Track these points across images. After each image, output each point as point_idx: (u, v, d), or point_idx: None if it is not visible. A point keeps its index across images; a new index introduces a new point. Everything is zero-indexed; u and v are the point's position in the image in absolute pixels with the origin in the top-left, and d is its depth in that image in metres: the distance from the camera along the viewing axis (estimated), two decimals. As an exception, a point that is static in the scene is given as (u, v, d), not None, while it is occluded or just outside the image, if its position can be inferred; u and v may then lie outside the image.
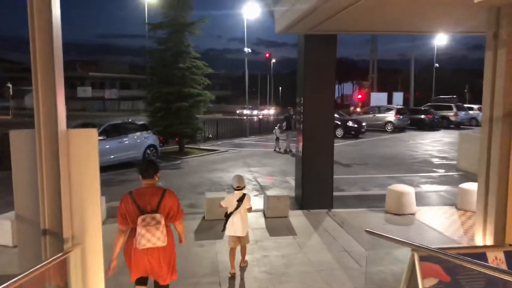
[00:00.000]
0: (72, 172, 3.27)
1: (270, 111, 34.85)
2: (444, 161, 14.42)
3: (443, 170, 12.78)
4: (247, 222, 5.35)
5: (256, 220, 7.68)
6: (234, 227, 5.22)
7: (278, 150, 17.67)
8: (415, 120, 28.12)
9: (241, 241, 5.35)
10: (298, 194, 8.53)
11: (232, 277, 5.28)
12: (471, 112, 30.13)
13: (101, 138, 12.63)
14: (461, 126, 28.61)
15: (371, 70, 56.49)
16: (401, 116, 26.80)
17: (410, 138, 22.76)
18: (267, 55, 36.40)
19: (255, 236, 6.83)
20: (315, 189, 8.35)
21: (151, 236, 3.55)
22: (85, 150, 3.32)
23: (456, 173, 12.27)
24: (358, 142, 21.38)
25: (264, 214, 8.00)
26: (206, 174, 12.56)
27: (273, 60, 74.85)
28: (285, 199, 7.90)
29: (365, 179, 11.69)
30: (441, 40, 37.80)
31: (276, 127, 18.38)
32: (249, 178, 11.89)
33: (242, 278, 5.34)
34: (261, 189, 10.47)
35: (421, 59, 57.95)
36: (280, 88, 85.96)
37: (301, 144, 8.41)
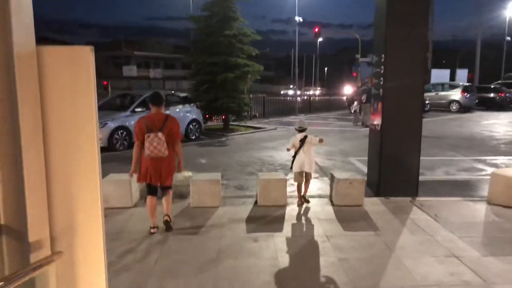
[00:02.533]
0: (49, 121, 1.78)
1: (315, 92, 32.55)
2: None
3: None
4: (311, 159, 6.09)
5: (322, 209, 6.07)
6: (299, 163, 6.04)
7: (358, 124, 17.21)
8: (484, 99, 25.19)
9: (306, 176, 6.11)
10: (373, 177, 6.81)
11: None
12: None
13: (139, 109, 11.41)
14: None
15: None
16: (468, 94, 23.96)
17: (481, 118, 20.14)
18: (317, 29, 33.93)
19: (325, 229, 5.24)
20: (396, 173, 6.61)
21: (153, 148, 4.70)
22: (71, 85, 1.80)
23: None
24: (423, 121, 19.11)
25: (331, 201, 6.38)
26: (255, 152, 11.05)
27: (320, 39, 72.08)
28: (359, 183, 6.23)
29: (445, 162, 9.73)
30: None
31: (354, 101, 18.45)
32: (304, 157, 10.26)
33: (316, 293, 3.78)
34: (321, 170, 8.82)
35: (483, 36, 53.38)
36: (326, 68, 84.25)
37: (378, 116, 6.66)
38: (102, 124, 10.56)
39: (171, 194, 5.22)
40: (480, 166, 9.17)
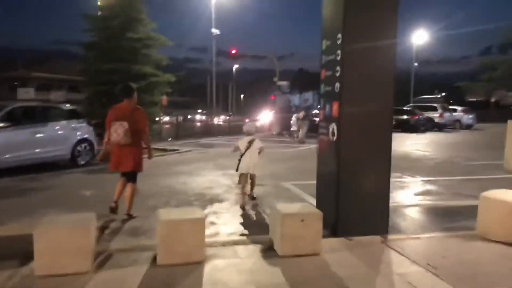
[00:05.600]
0: None
1: (226, 117, 30.66)
2: (476, 162, 11.18)
3: (487, 172, 9.45)
4: (257, 161, 6.25)
5: (262, 265, 3.85)
6: (246, 165, 6.16)
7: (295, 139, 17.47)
8: (398, 121, 25.17)
9: (251, 177, 6.40)
10: (327, 210, 4.73)
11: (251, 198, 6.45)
12: (455, 114, 27.77)
13: (1, 125, 8.40)
14: (444, 129, 26.10)
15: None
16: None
17: (403, 139, 19.62)
18: (234, 51, 32.47)
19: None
20: (360, 203, 4.66)
21: (116, 135, 5.08)
22: None
23: (508, 175, 8.96)
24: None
25: (274, 248, 4.19)
26: (164, 179, 8.56)
27: (236, 65, 71.86)
28: (315, 219, 4.13)
29: (395, 184, 8.08)
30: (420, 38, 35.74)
31: (293, 117, 18.75)
32: (227, 184, 8.04)
33: None
34: (251, 200, 6.65)
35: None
36: (242, 95, 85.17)
37: (332, 123, 4.71)
38: None
39: (133, 189, 5.47)
40: (435, 188, 7.67)
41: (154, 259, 3.86)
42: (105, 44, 12.22)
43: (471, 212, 5.70)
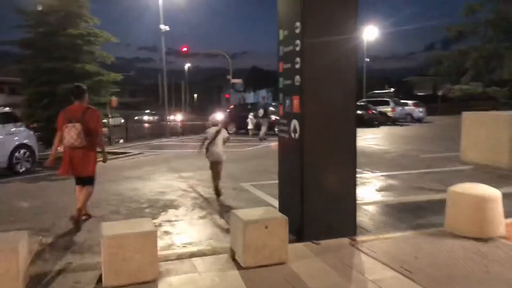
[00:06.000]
0: None
1: (177, 117, 29.13)
2: (432, 154, 11.30)
3: (444, 164, 9.51)
4: (222, 150, 6.66)
5: (222, 279, 3.43)
6: (216, 154, 6.59)
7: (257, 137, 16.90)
8: (353, 117, 25.53)
9: (218, 167, 6.64)
10: (291, 212, 4.38)
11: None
12: (406, 108, 28.53)
13: None
14: (397, 123, 26.75)
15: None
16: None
17: (359, 134, 19.81)
18: (185, 48, 31.63)
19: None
20: (326, 203, 4.34)
21: (70, 137, 4.90)
22: None
23: (465, 167, 9.08)
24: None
25: (233, 259, 3.78)
26: (113, 185, 7.90)
27: (188, 64, 70.74)
28: (280, 225, 3.76)
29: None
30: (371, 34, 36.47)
31: (250, 115, 18.39)
32: (182, 187, 7.53)
33: None
34: (209, 204, 6.19)
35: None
36: (195, 95, 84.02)
37: (294, 119, 4.37)
38: None
39: (89, 189, 5.23)
40: (397, 182, 7.56)
41: (100, 279, 3.34)
42: (43, 41, 11.25)
43: (436, 206, 5.60)
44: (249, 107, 21.91)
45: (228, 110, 25.54)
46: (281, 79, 4.73)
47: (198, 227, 5.08)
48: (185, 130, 22.63)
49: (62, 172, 5.16)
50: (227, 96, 40.40)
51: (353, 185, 4.47)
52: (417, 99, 33.02)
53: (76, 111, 5.08)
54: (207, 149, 6.62)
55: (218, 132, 6.64)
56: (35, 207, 6.31)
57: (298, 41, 4.22)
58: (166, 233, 4.81)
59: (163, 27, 20.44)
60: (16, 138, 9.39)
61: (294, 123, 4.36)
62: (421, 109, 29.00)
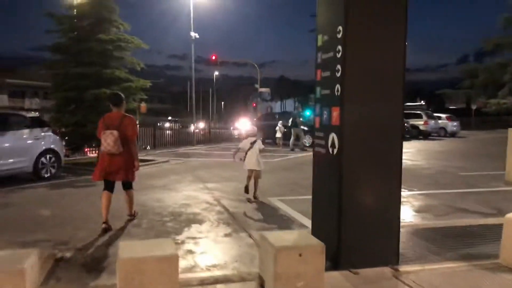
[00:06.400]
0: None
1: (199, 125, 27.68)
2: (471, 172, 10.60)
3: (487, 184, 8.83)
4: (259, 159, 7.09)
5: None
6: (249, 163, 7.09)
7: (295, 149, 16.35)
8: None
9: (254, 174, 7.10)
10: (327, 236, 3.95)
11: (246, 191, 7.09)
12: (440, 121, 27.52)
13: None
14: (429, 137, 25.79)
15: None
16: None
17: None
18: (214, 57, 31.72)
19: None
20: (367, 228, 3.89)
21: (107, 144, 5.05)
22: None
23: (510, 188, 8.39)
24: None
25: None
26: (136, 194, 7.53)
27: (216, 73, 71.34)
28: (316, 253, 3.33)
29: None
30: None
31: (279, 124, 18.15)
32: (207, 199, 7.19)
33: None
34: (234, 220, 5.81)
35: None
36: (223, 103, 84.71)
37: (332, 132, 3.95)
38: None
39: (131, 194, 5.59)
40: (437, 203, 6.99)
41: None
42: (73, 46, 11.23)
43: (485, 232, 5.07)
44: (277, 116, 21.53)
45: (255, 119, 25.27)
46: (318, 89, 4.33)
47: (223, 246, 4.70)
48: (214, 138, 22.41)
49: (96, 177, 5.32)
50: (254, 105, 40.23)
51: (397, 207, 4.00)
52: (449, 113, 31.88)
53: (114, 118, 5.25)
54: (244, 158, 7.17)
55: (253, 144, 7.11)
56: (55, 216, 6.09)
57: (339, 47, 3.82)
58: (189, 252, 4.45)
59: (193, 35, 20.42)
60: (43, 143, 9.31)
61: (333, 136, 3.94)
62: (455, 123, 27.91)
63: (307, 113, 25.83)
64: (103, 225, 5.15)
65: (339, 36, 3.83)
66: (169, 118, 37.84)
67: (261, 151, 7.18)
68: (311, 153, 12.92)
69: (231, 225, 5.51)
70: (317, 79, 4.36)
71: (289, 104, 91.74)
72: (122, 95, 5.57)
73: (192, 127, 22.04)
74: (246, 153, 7.13)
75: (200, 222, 5.70)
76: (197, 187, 8.46)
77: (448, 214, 6.28)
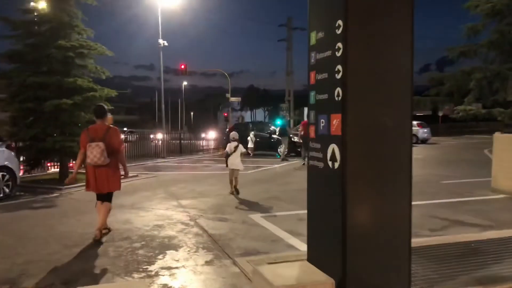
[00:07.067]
0: None
1: (157, 135, 25.78)
2: (454, 180, 10.33)
3: (473, 192, 8.52)
4: (239, 160, 8.56)
5: None
6: (234, 163, 8.50)
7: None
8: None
9: (235, 173, 8.57)
10: (329, 265, 3.37)
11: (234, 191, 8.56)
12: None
13: None
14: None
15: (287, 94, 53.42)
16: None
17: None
18: (183, 66, 30.92)
19: None
20: (374, 256, 3.33)
21: (93, 156, 5.08)
22: None
23: (499, 195, 8.11)
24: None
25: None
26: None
27: (185, 83, 70.40)
28: (324, 291, 2.74)
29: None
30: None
31: (250, 134, 16.71)
32: (182, 219, 6.49)
33: None
34: (215, 244, 5.15)
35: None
36: (192, 113, 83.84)
37: (332, 143, 3.40)
38: None
39: (109, 208, 5.52)
40: (427, 213, 6.56)
41: None
42: (30, 53, 10.30)
43: (491, 249, 4.63)
44: (250, 126, 21.00)
45: (227, 129, 24.63)
46: (312, 93, 3.77)
47: (205, 277, 4.03)
48: (184, 150, 21.53)
49: (89, 188, 5.37)
50: (226, 114, 39.61)
51: (407, 228, 3.48)
52: (417, 119, 32.29)
53: (99, 130, 5.30)
54: (227, 159, 8.57)
55: (236, 147, 8.49)
56: (5, 247, 5.23)
57: (339, 44, 3.28)
58: (164, 286, 3.77)
59: (162, 42, 19.61)
60: (-6, 159, 8.34)
61: (333, 148, 3.39)
62: (425, 130, 28.16)
63: (278, 122, 25.50)
64: (104, 230, 5.50)
65: (339, 31, 3.29)
66: (125, 129, 36.24)
67: (243, 154, 8.70)
68: (285, 164, 12.19)
69: (211, 250, 4.86)
70: (310, 83, 3.80)
71: (259, 114, 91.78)
72: (106, 106, 5.60)
73: (161, 137, 21.01)
74: (229, 156, 8.51)
75: (175, 247, 5.00)
76: (170, 204, 7.73)
77: (445, 228, 5.85)
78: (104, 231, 5.50)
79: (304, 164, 14.28)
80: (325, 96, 3.53)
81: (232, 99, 33.29)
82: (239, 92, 71.09)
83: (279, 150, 17.73)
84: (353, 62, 3.23)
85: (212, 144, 24.52)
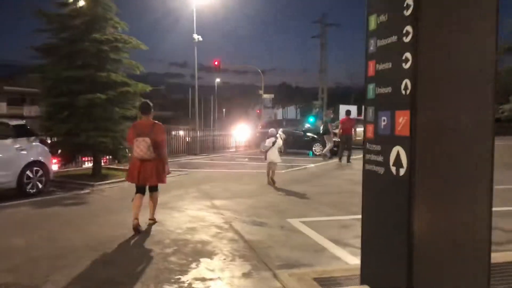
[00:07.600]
0: None
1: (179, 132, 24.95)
2: (507, 185, 9.46)
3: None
4: (277, 154, 9.41)
5: None
6: (271, 157, 9.25)
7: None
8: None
9: (273, 166, 9.37)
10: (386, 278, 2.87)
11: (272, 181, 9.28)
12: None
13: None
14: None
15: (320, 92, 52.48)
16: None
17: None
18: (216, 62, 30.71)
19: None
20: (445, 279, 2.80)
21: (139, 151, 5.40)
22: None
23: None
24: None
25: None
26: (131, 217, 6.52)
27: (218, 79, 70.57)
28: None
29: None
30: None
31: (279, 131, 15.51)
32: (216, 222, 6.10)
33: None
34: (253, 252, 4.71)
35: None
36: (224, 110, 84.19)
37: (397, 153, 2.88)
38: None
39: (156, 196, 5.91)
40: (503, 224, 5.87)
41: None
42: (65, 47, 10.19)
43: None
44: (284, 123, 20.49)
45: (259, 127, 24.21)
46: (371, 86, 3.25)
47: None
48: (216, 146, 21.28)
49: (130, 179, 5.70)
50: (258, 111, 39.21)
51: (487, 249, 2.91)
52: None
53: (144, 125, 5.62)
54: (266, 152, 9.30)
55: (274, 143, 9.24)
56: (31, 247, 4.98)
57: (408, 28, 2.75)
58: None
59: (196, 37, 19.41)
60: (27, 154, 8.23)
61: (397, 151, 2.87)
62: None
63: (311, 119, 24.78)
64: (134, 221, 5.44)
65: (407, 13, 2.77)
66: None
67: (280, 148, 9.53)
68: (321, 163, 11.34)
69: (249, 260, 4.42)
70: (368, 74, 3.29)
71: (291, 111, 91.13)
72: (151, 103, 5.81)
73: (197, 134, 20.70)
74: (267, 150, 9.28)
75: (210, 254, 4.60)
76: (203, 205, 7.36)
77: (508, 242, 5.18)
78: (150, 222, 5.81)
79: (340, 162, 13.66)
80: (388, 89, 3.02)
81: (265, 95, 32.89)
82: (271, 89, 70.63)
83: (313, 148, 17.16)
84: (427, 48, 2.70)
85: (244, 141, 24.16)
